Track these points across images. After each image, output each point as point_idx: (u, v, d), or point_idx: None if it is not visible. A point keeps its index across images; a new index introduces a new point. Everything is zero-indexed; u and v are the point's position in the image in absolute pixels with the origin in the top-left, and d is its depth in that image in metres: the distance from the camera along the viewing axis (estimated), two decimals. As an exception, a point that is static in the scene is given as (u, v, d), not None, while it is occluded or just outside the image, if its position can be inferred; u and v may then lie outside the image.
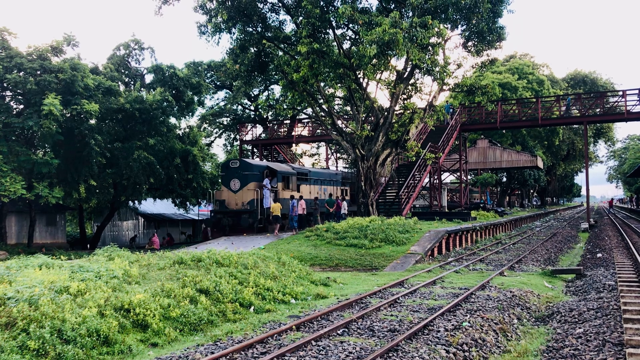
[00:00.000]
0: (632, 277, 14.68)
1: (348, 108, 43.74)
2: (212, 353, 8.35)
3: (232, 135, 55.83)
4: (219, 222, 26.83)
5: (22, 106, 29.01)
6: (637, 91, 35.76)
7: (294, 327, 9.85)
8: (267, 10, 28.06)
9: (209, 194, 29.95)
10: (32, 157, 27.41)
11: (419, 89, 29.51)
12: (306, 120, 44.00)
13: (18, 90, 28.35)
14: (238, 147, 48.71)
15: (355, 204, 32.66)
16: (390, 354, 8.24)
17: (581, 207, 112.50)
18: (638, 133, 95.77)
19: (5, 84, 27.91)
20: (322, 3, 25.68)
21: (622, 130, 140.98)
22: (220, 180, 28.87)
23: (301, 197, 28.35)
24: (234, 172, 27.30)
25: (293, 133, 43.76)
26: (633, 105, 35.84)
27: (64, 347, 7.81)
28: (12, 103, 29.37)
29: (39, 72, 27.98)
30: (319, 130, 42.68)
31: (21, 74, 27.79)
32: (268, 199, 26.68)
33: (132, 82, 37.81)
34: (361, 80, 28.18)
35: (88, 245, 35.43)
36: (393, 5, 27.76)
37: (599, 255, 23.01)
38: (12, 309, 8.23)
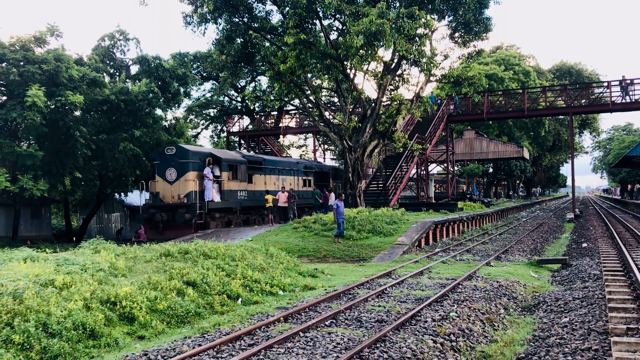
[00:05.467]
0: (617, 267, 14.83)
1: (335, 99, 43.66)
2: (200, 345, 8.31)
3: (219, 127, 55.56)
4: (152, 217, 23.71)
5: (5, 97, 28.62)
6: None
7: (281, 318, 9.83)
8: (254, 0, 27.85)
9: (142, 185, 26.00)
10: (16, 149, 27.07)
11: (406, 80, 29.49)
12: (293, 112, 43.92)
13: (1, 82, 27.95)
14: (225, 138, 48.52)
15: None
16: (378, 345, 8.25)
17: (567, 197, 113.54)
18: (622, 124, 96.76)
19: (-13, 75, 27.54)
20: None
21: (607, 121, 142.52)
22: (155, 170, 25.30)
23: (282, 187, 28.14)
24: (170, 160, 24.20)
25: (280, 124, 43.67)
26: (617, 97, 36.14)
27: (49, 340, 7.73)
28: (-6, 94, 29.00)
29: (22, 63, 27.60)
30: (306, 122, 42.64)
31: (4, 64, 27.40)
32: (210, 190, 24.23)
33: (117, 73, 37.41)
34: (348, 71, 28.12)
35: (74, 238, 35.15)
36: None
37: (584, 245, 23.24)
38: (-4, 303, 8.13)
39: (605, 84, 37.52)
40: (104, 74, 34.78)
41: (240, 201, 26.70)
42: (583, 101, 39.07)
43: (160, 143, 33.86)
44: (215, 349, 8.06)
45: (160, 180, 24.38)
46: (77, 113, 30.67)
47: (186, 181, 23.80)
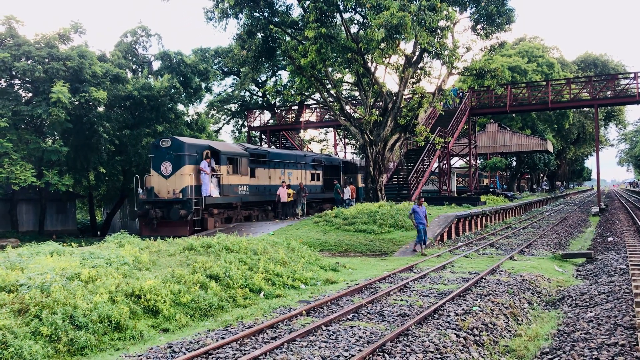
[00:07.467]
0: (644, 261, 14.58)
1: (356, 93, 43.52)
2: (223, 338, 8.39)
3: (240, 122, 55.85)
4: (146, 213, 22.38)
5: (30, 94, 29.07)
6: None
7: (304, 312, 9.87)
8: (274, -6, 27.85)
9: (137, 180, 24.42)
10: (42, 145, 27.51)
11: (428, 73, 29.26)
12: (314, 106, 43.90)
13: (26, 79, 28.40)
14: (246, 133, 48.75)
15: (328, 191, 31.22)
16: (400, 339, 8.24)
17: (591, 190, 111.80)
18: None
19: (13, 72, 27.97)
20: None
21: (633, 113, 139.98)
22: (150, 164, 23.82)
23: (283, 182, 27.52)
24: (165, 153, 22.77)
25: (301, 119, 43.69)
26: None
27: (76, 332, 7.87)
28: (20, 91, 29.45)
29: (47, 60, 27.98)
30: (327, 116, 42.58)
31: (29, 62, 27.79)
32: (207, 185, 22.75)
33: (139, 69, 37.78)
34: (369, 64, 27.98)
35: (98, 233, 35.65)
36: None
37: (610, 239, 22.90)
38: (25, 296, 8.29)
39: (632, 75, 36.77)
40: (127, 70, 35.15)
41: (241, 196, 25.32)
42: (608, 93, 38.39)
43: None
44: (239, 342, 8.12)
45: (155, 174, 23.06)
46: (101, 109, 31.05)
47: (182, 175, 22.50)
